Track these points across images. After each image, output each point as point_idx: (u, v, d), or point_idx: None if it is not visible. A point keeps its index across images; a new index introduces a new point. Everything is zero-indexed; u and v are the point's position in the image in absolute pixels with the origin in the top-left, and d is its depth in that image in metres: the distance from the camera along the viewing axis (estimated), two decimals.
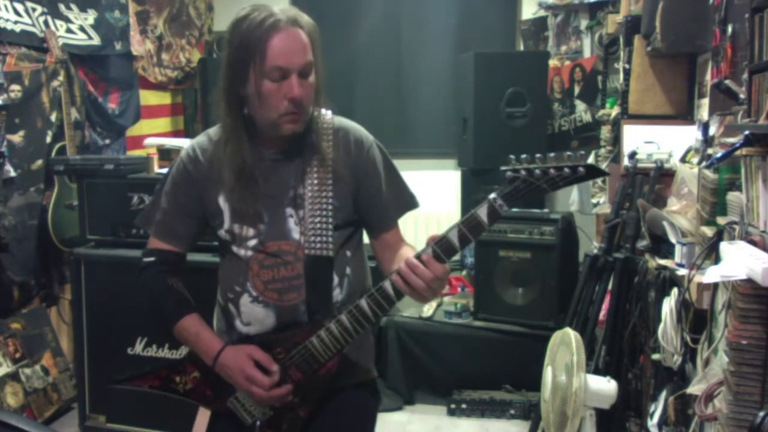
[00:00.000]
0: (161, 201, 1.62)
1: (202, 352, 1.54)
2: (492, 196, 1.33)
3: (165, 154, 3.18)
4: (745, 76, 1.84)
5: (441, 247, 1.35)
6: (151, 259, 1.61)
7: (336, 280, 1.55)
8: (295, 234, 1.52)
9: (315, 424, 1.54)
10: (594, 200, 3.92)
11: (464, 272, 4.21)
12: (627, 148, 3.05)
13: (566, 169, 1.24)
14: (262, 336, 1.53)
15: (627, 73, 3.20)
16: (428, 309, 3.67)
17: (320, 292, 1.53)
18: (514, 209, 3.61)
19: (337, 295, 1.56)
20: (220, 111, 1.52)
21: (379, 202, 1.60)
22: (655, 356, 2.33)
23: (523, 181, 1.28)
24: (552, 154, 1.27)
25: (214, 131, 1.60)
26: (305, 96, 1.45)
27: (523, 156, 1.29)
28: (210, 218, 1.59)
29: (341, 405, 1.58)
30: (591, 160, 4.00)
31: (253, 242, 1.53)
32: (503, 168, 1.30)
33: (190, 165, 1.59)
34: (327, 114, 1.59)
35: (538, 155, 1.28)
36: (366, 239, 1.68)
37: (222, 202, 1.55)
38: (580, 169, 1.24)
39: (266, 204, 1.53)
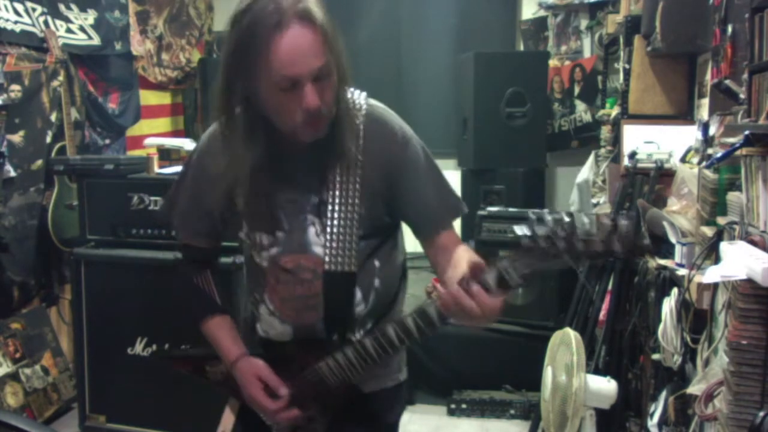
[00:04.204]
0: (180, 198, 1.51)
1: (222, 358, 1.49)
2: (503, 263, 1.13)
3: (165, 154, 3.18)
4: (745, 76, 1.84)
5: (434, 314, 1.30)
6: (180, 255, 1.57)
7: (359, 295, 1.42)
8: (317, 247, 1.38)
9: (335, 430, 1.47)
10: (594, 200, 3.92)
11: None
12: (627, 148, 3.05)
13: (598, 248, 1.04)
14: (282, 345, 1.46)
15: (627, 73, 3.20)
16: None
17: (340, 309, 1.41)
18: (512, 209, 3.62)
19: (361, 310, 1.44)
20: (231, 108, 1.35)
21: (421, 204, 1.43)
22: (655, 356, 2.32)
23: (541, 251, 1.08)
24: (586, 219, 1.04)
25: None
26: (324, 102, 1.25)
27: (548, 216, 1.06)
28: (229, 218, 1.47)
29: (362, 415, 1.49)
30: (591, 159, 3.99)
31: (271, 251, 1.41)
32: (519, 232, 1.10)
33: (208, 159, 1.43)
34: (359, 100, 1.38)
35: (566, 218, 1.04)
36: (408, 245, 1.56)
37: (241, 205, 1.40)
38: (617, 249, 1.03)
39: (286, 210, 1.39)
